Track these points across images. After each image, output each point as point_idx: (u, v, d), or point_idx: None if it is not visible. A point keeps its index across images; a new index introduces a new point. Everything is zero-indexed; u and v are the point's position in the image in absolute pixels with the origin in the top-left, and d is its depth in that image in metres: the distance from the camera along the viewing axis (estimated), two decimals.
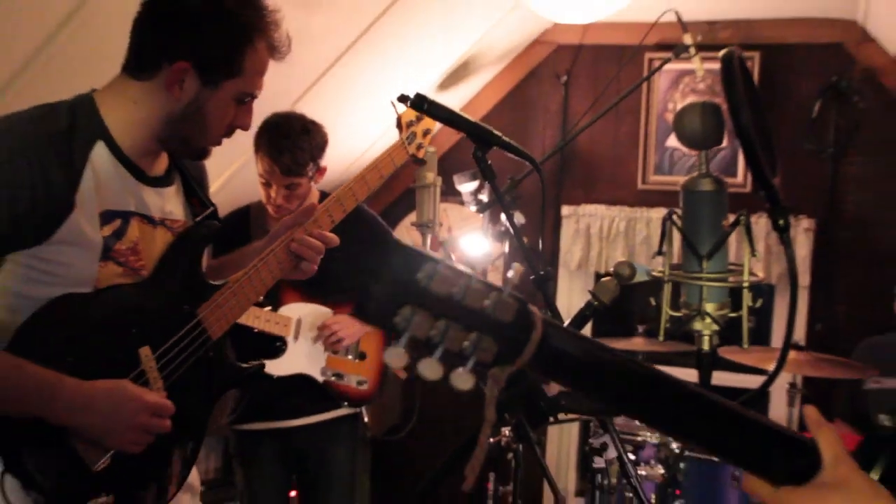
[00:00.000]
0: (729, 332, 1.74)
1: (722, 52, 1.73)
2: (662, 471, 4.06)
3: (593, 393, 1.18)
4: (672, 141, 5.71)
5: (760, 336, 5.63)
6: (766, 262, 5.34)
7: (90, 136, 2.10)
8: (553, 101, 5.91)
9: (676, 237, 1.76)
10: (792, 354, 4.23)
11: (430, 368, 1.03)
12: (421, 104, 2.28)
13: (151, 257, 2.23)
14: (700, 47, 5.25)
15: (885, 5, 4.42)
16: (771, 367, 4.29)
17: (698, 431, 1.21)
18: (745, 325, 1.72)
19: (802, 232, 5.36)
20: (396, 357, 1.01)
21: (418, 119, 2.96)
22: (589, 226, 5.80)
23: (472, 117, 6.04)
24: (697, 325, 1.71)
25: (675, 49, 4.81)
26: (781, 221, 1.62)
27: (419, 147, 2.96)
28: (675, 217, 1.74)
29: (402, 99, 2.43)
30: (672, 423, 1.22)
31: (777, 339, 5.61)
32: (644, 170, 5.75)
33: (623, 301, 1.95)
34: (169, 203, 2.31)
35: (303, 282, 3.61)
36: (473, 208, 4.87)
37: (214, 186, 4.28)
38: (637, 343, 4.44)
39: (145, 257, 2.22)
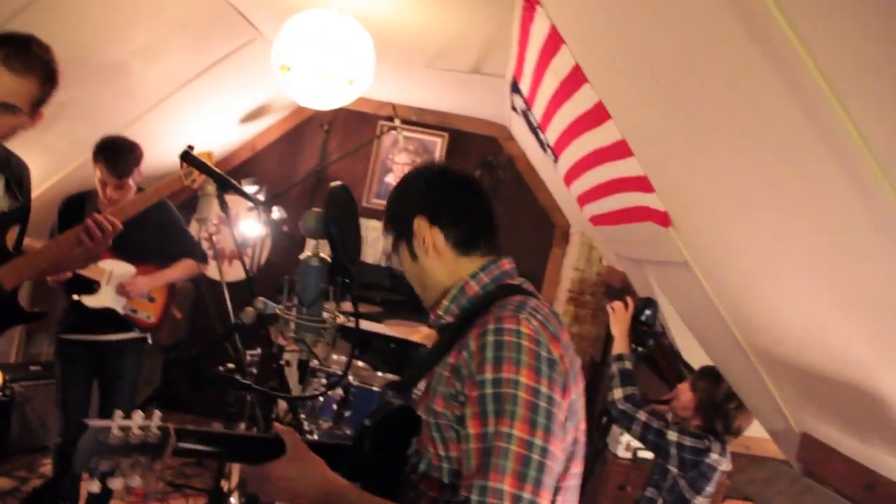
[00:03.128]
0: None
1: (330, 185, 1.83)
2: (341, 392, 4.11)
3: (204, 452, 1.39)
4: (388, 178, 5.82)
5: None
6: None
7: None
8: (317, 140, 5.91)
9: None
10: (426, 330, 4.40)
11: (116, 483, 1.25)
12: (185, 156, 2.28)
13: None
14: (412, 123, 5.42)
15: (516, 123, 4.68)
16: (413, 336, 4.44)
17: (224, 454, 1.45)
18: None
19: None
20: (93, 485, 1.24)
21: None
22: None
23: (263, 144, 5.94)
24: (299, 345, 1.80)
25: (391, 125, 4.96)
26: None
27: (193, 181, 2.95)
28: (294, 279, 1.83)
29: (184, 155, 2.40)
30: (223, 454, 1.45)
31: None
32: (368, 194, 5.84)
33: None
34: None
35: (116, 247, 3.56)
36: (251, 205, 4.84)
37: (56, 178, 4.10)
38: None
39: None
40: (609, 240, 3.90)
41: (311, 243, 1.87)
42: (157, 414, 1.28)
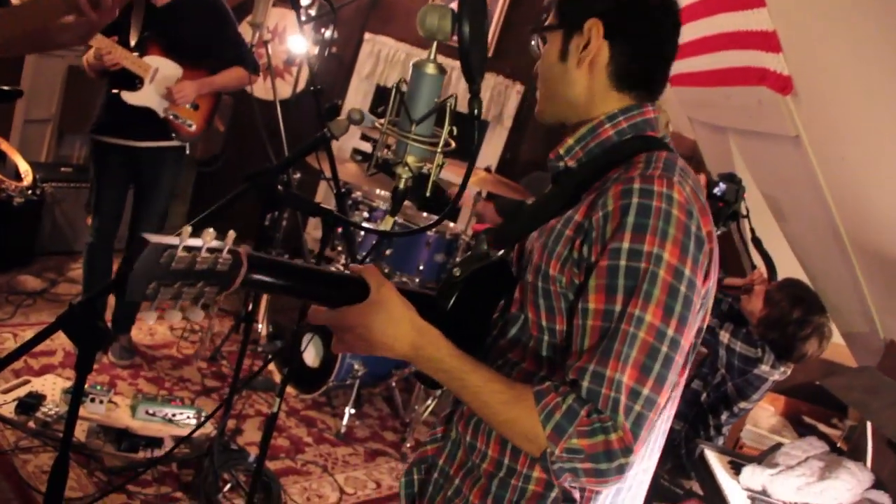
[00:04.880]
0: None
1: None
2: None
3: (277, 286, 1.17)
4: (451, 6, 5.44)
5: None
6: (488, 105, 5.26)
7: None
8: None
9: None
10: (483, 174, 4.20)
11: (174, 316, 1.06)
12: None
13: None
14: None
15: None
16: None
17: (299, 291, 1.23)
18: (432, 179, 1.58)
19: (515, 94, 5.29)
20: (147, 315, 1.04)
21: None
22: (380, 50, 5.52)
23: None
24: (398, 170, 1.58)
25: None
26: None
27: None
28: (403, 85, 1.57)
29: None
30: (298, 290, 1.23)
31: (481, 162, 5.53)
32: None
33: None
34: None
35: (163, 43, 3.33)
36: (303, 18, 4.52)
37: None
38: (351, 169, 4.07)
39: None
40: (689, 102, 3.62)
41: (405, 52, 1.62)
42: (232, 235, 1.07)
